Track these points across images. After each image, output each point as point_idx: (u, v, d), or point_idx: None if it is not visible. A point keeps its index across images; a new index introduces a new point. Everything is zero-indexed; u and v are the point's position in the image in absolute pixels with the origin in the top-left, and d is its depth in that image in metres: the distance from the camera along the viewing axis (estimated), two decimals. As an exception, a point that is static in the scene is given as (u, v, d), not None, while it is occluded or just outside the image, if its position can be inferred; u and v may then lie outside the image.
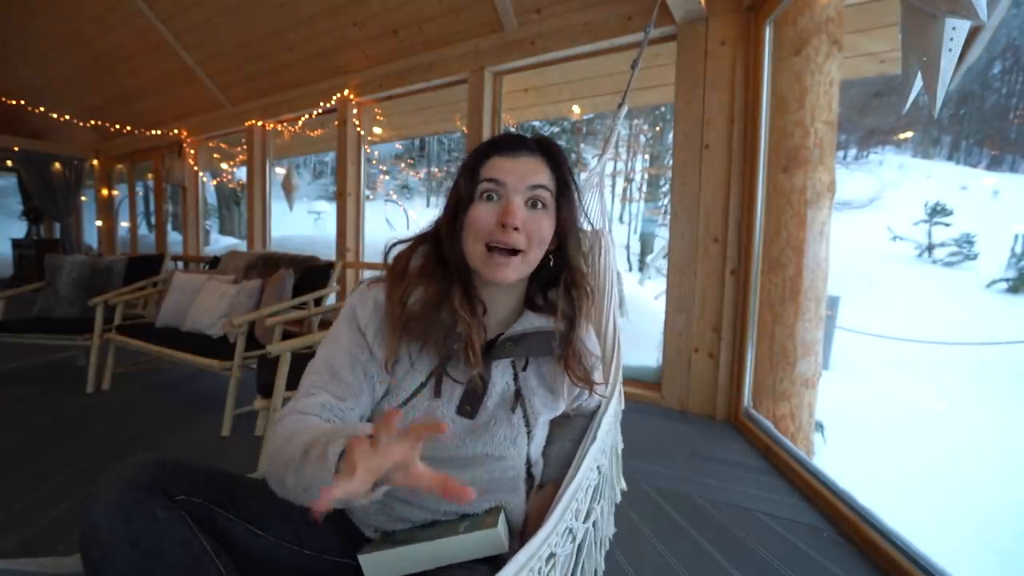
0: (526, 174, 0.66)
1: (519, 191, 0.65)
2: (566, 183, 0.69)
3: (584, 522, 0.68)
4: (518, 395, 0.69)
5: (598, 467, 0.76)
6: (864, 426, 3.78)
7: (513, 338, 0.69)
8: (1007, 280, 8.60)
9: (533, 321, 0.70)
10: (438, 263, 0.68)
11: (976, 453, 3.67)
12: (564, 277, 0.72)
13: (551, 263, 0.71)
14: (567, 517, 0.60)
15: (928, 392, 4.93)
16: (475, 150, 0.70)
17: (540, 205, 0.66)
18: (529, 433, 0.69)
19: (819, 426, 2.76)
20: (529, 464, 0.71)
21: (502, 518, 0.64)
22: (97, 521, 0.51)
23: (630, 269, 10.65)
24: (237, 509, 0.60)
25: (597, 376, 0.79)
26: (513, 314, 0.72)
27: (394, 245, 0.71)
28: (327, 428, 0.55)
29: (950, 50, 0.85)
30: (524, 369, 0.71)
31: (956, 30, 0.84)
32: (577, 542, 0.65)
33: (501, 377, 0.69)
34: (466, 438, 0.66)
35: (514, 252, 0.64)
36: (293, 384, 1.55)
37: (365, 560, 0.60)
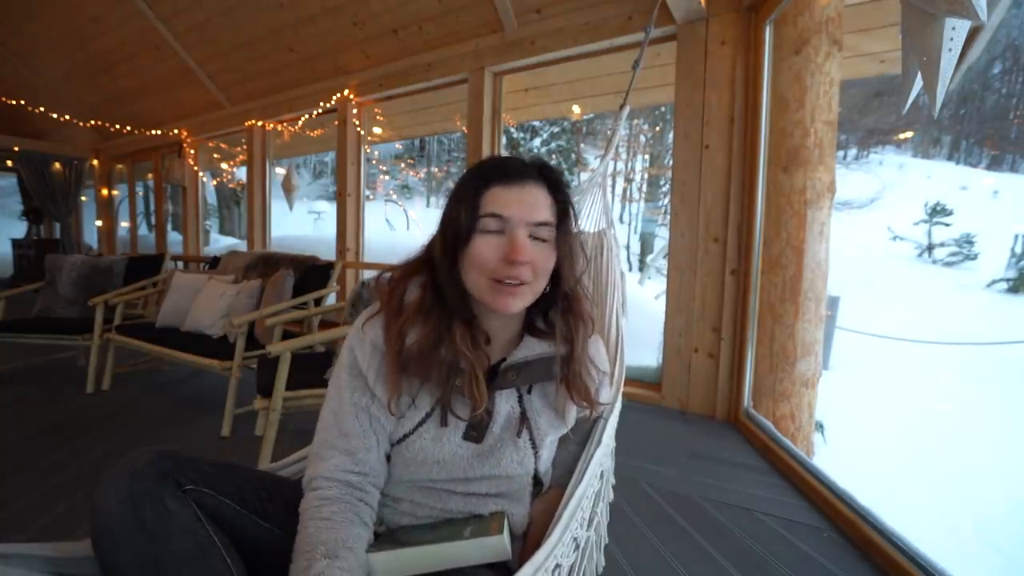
0: (530, 208, 0.63)
1: (523, 224, 0.63)
2: (565, 210, 0.68)
3: (587, 529, 0.67)
4: (523, 418, 0.69)
5: (602, 471, 0.76)
6: (864, 426, 3.78)
7: (515, 366, 0.68)
8: (1007, 280, 8.58)
9: (534, 347, 0.69)
10: (435, 298, 0.66)
11: (977, 453, 3.67)
12: (561, 303, 0.70)
13: (548, 288, 0.70)
14: (572, 526, 0.60)
15: (928, 392, 4.92)
16: (473, 176, 0.66)
17: (543, 239, 0.65)
18: (536, 453, 0.69)
19: (819, 426, 2.77)
20: (537, 474, 0.71)
21: (506, 524, 0.64)
22: (108, 509, 0.53)
23: (630, 269, 10.63)
24: (244, 500, 0.62)
25: (604, 393, 0.78)
26: (514, 339, 0.71)
27: (390, 276, 0.70)
28: (317, 545, 0.57)
29: (950, 50, 0.85)
30: (529, 392, 0.71)
31: (956, 30, 0.84)
32: (581, 549, 0.65)
33: (506, 402, 0.69)
34: (473, 462, 0.66)
35: (521, 283, 0.63)
36: (293, 384, 1.55)
37: (371, 558, 0.61)
